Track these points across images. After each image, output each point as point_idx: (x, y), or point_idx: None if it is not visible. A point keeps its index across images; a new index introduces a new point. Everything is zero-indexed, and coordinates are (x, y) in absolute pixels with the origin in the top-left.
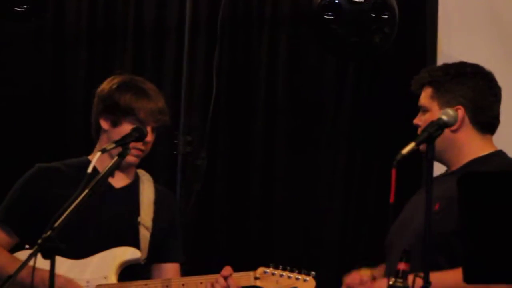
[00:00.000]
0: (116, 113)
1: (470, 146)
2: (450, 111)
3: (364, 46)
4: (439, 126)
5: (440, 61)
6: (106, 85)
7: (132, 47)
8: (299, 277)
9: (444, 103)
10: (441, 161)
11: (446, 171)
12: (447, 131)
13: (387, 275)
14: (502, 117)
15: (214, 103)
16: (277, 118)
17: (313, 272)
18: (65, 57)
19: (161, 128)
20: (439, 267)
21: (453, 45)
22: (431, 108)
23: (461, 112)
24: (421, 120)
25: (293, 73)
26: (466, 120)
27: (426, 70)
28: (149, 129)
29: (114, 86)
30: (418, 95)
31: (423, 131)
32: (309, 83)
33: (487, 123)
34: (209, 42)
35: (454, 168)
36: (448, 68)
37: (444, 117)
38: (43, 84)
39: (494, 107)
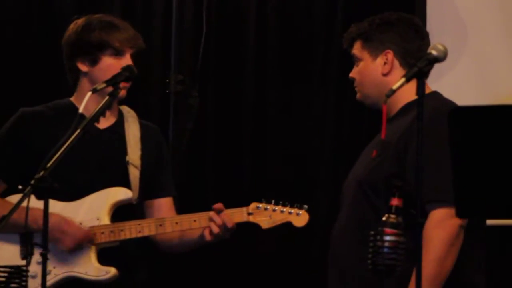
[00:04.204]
0: (92, 51)
1: (403, 90)
2: (439, 46)
3: None
4: (429, 61)
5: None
6: (70, 31)
7: None
8: (292, 211)
9: (374, 50)
10: (379, 108)
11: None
12: (378, 76)
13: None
14: None
15: (205, 41)
16: (267, 55)
17: (305, 206)
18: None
19: (139, 53)
20: (378, 210)
21: None
22: (363, 57)
23: (390, 56)
24: (355, 73)
25: (283, 10)
26: (396, 63)
27: (353, 25)
28: (127, 56)
29: (80, 28)
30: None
31: (414, 66)
32: (299, 19)
33: None
34: None
35: (390, 114)
36: (373, 19)
37: (434, 52)
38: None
39: (423, 49)
